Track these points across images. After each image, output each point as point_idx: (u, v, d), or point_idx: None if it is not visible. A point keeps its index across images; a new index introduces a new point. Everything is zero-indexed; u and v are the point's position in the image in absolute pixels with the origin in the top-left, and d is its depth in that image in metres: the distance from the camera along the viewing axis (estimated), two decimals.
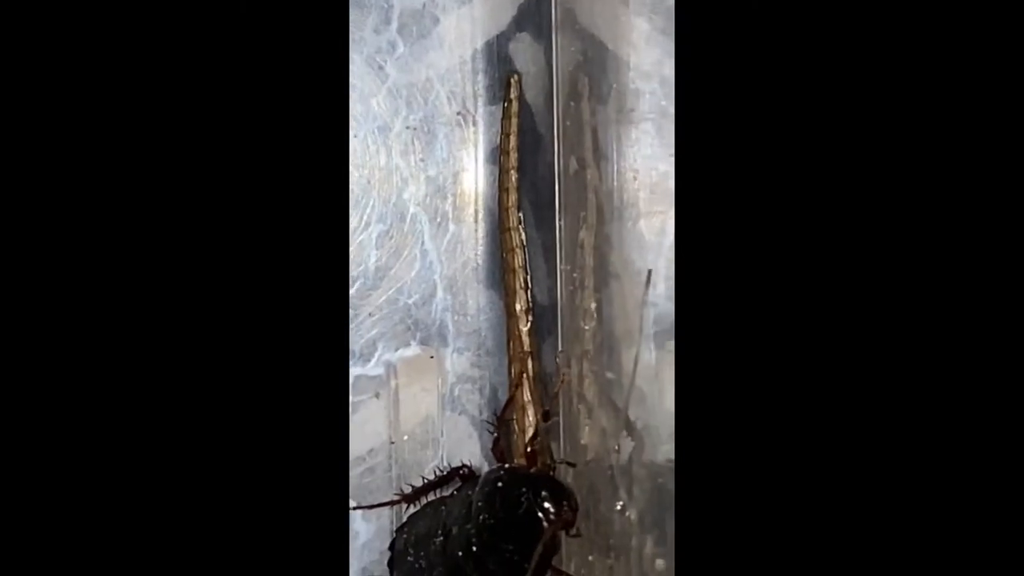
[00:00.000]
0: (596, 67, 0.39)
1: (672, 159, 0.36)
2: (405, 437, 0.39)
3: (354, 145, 0.39)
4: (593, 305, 0.38)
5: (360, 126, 0.39)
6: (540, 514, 0.34)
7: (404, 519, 0.38)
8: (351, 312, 0.38)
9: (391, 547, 0.38)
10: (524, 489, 0.35)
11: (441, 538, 0.36)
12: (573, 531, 0.35)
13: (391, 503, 0.38)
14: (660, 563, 0.37)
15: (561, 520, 0.34)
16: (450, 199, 0.39)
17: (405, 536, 0.38)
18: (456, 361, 0.39)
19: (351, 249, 0.39)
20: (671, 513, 0.36)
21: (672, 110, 0.36)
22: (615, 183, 0.38)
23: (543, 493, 0.34)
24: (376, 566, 0.38)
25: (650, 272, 0.36)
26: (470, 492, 0.36)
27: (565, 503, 0.35)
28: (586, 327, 0.39)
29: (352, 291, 0.38)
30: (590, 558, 0.38)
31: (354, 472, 0.39)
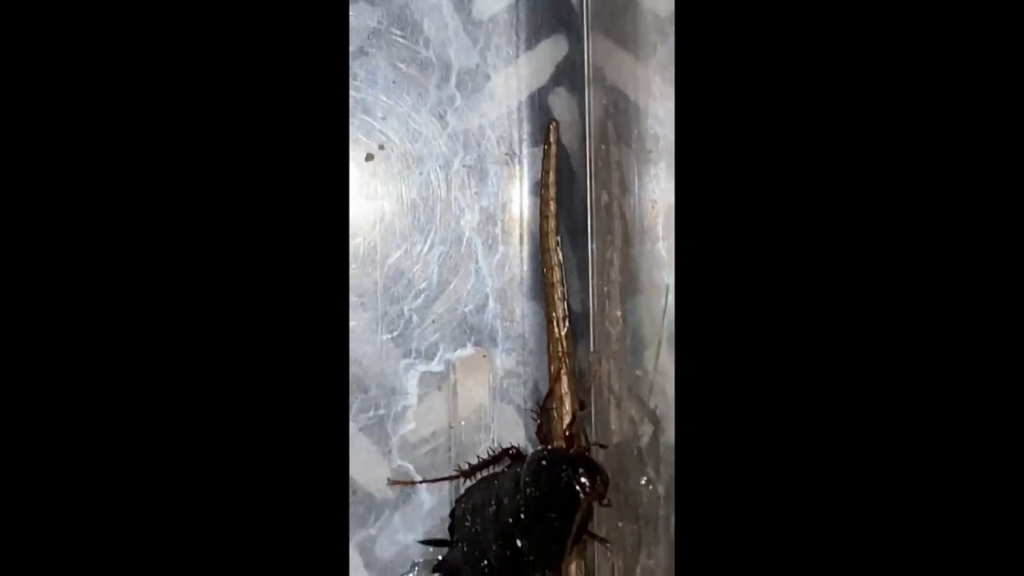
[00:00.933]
0: (621, 116, 0.43)
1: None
2: (462, 423, 0.43)
3: (420, 180, 0.43)
4: (619, 313, 0.42)
5: (425, 164, 0.43)
6: (577, 488, 0.39)
7: (462, 491, 0.42)
8: (417, 319, 0.42)
9: (451, 515, 0.42)
10: (564, 467, 0.39)
11: (494, 507, 0.40)
12: (605, 502, 0.40)
13: (451, 478, 0.42)
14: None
15: (595, 493, 0.39)
16: (499, 225, 0.43)
17: (463, 505, 0.41)
18: (504, 360, 0.43)
19: (416, 267, 0.42)
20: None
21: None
22: (637, 212, 0.42)
23: (580, 470, 0.39)
24: (437, 530, 0.42)
25: (667, 287, 0.41)
26: (518, 469, 0.40)
27: (598, 478, 0.39)
28: (614, 332, 0.42)
29: (418, 302, 0.42)
30: (619, 524, 0.42)
31: (419, 452, 0.42)
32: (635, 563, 0.42)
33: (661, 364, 0.41)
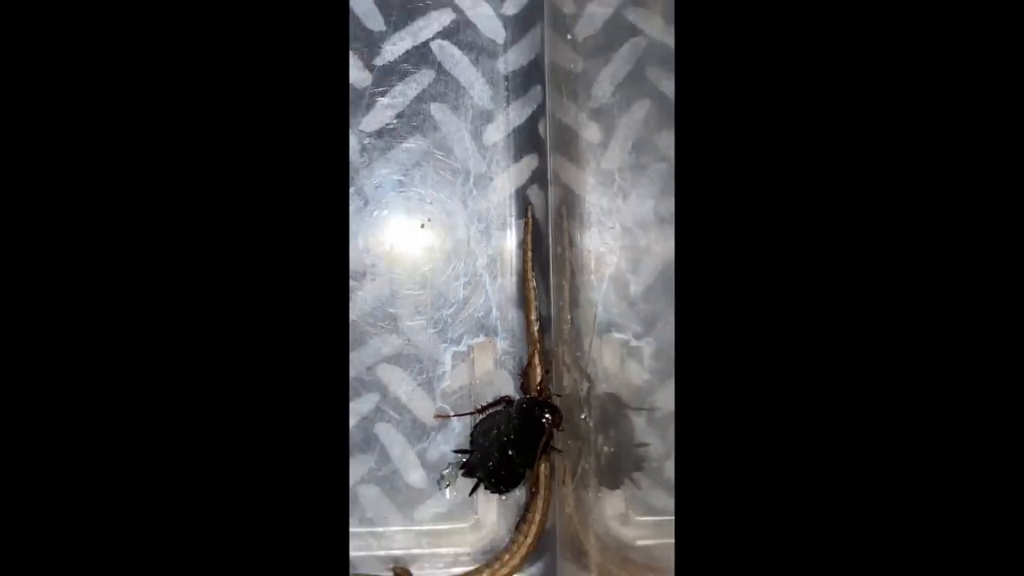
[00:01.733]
0: (570, 201, 0.53)
1: (610, 244, 0.53)
2: (477, 381, 0.54)
3: (453, 239, 0.54)
4: (569, 317, 0.52)
5: (456, 230, 0.53)
6: (544, 420, 0.50)
7: (477, 422, 0.53)
8: (451, 320, 0.53)
9: (471, 435, 0.53)
10: (536, 407, 0.50)
11: (495, 431, 0.51)
12: (560, 428, 0.50)
13: (470, 413, 0.53)
14: (605, 448, 0.52)
15: (555, 423, 0.50)
16: (498, 265, 0.54)
17: (477, 430, 0.53)
18: (502, 344, 0.54)
19: (451, 290, 0.53)
20: (609, 422, 0.52)
21: (606, 221, 0.53)
22: (578, 258, 0.53)
23: (546, 409, 0.50)
24: (463, 444, 0.53)
25: (596, 303, 0.52)
26: (510, 409, 0.51)
27: (557, 414, 0.50)
28: (565, 328, 0.52)
29: (451, 310, 0.53)
30: (568, 442, 0.51)
31: (452, 398, 0.53)
32: (577, 464, 0.51)
33: (593, 348, 0.52)
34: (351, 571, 0.52)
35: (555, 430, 0.50)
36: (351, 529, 0.53)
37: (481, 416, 0.53)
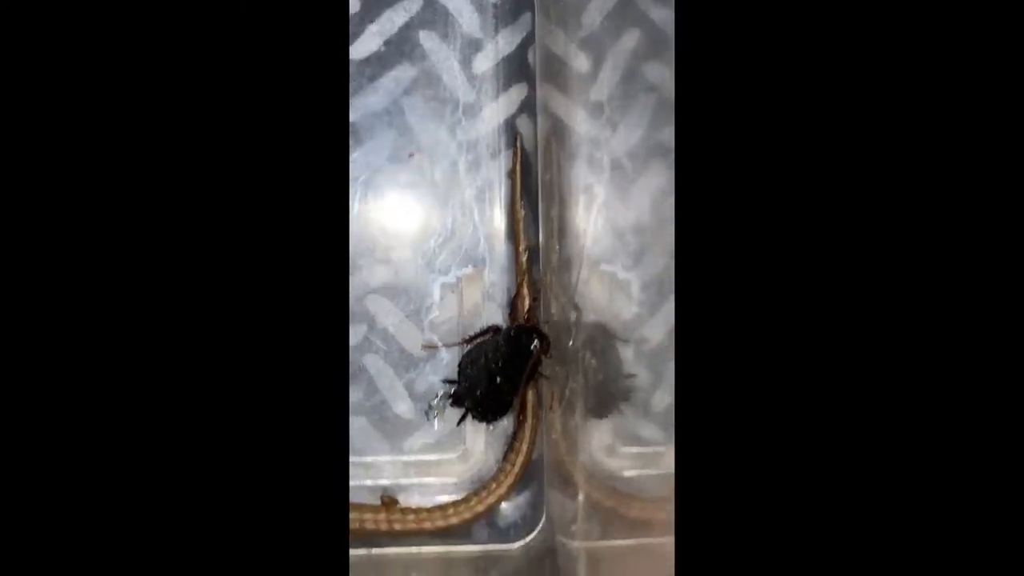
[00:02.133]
0: (558, 130, 0.54)
1: (598, 175, 0.53)
2: (466, 312, 0.54)
3: (443, 170, 0.54)
4: (557, 247, 0.53)
5: (444, 160, 0.54)
6: (532, 346, 0.51)
7: (466, 350, 0.53)
8: (439, 251, 0.53)
9: (459, 365, 0.53)
10: (524, 334, 0.51)
11: (483, 360, 0.52)
12: (548, 355, 0.51)
13: (459, 343, 0.53)
14: (593, 376, 0.52)
15: (543, 348, 0.51)
16: (487, 196, 0.54)
17: (466, 360, 0.53)
18: (490, 275, 0.54)
19: (439, 221, 0.53)
20: (597, 351, 0.53)
21: (595, 153, 0.53)
22: (565, 186, 0.53)
23: (534, 336, 0.51)
24: (451, 374, 0.53)
25: (584, 231, 0.52)
26: (498, 337, 0.52)
27: (544, 340, 0.51)
28: (553, 259, 0.53)
29: (440, 241, 0.54)
30: (556, 368, 0.52)
31: (441, 329, 0.53)
32: (564, 389, 0.52)
33: (581, 279, 0.52)
34: None
35: (543, 356, 0.51)
36: None
37: (469, 346, 0.54)
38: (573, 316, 0.53)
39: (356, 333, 0.55)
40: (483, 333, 0.54)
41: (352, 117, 0.54)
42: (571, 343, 0.53)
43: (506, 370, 0.51)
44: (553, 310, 0.53)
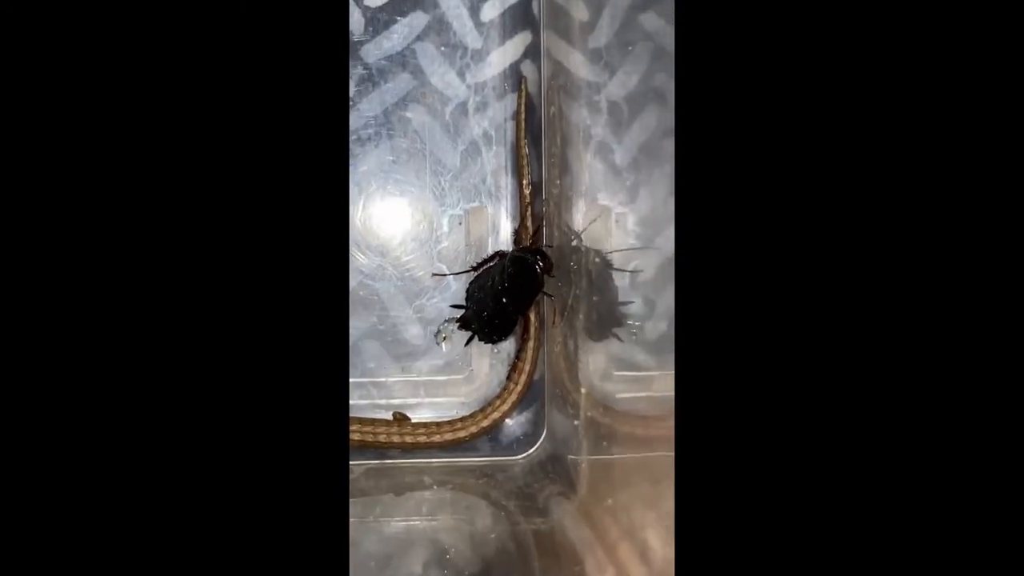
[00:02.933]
0: (559, 75, 0.57)
1: (596, 116, 0.56)
2: (472, 242, 0.58)
3: (452, 109, 0.57)
4: (558, 181, 0.56)
5: (454, 100, 0.57)
6: (537, 267, 0.54)
7: (474, 276, 0.57)
8: (448, 187, 0.57)
9: (467, 291, 0.57)
10: (528, 255, 0.54)
11: (490, 283, 0.55)
12: (551, 274, 0.54)
13: (466, 271, 0.57)
14: (591, 298, 0.54)
15: (546, 267, 0.54)
16: (493, 134, 0.58)
17: (473, 285, 0.57)
18: (495, 209, 0.59)
19: (448, 158, 0.57)
20: (594, 279, 0.54)
21: (593, 96, 0.55)
22: (568, 125, 0.55)
23: (538, 257, 0.54)
24: (459, 300, 0.57)
25: (585, 165, 0.56)
26: (503, 260, 0.55)
27: (547, 260, 0.54)
28: (555, 192, 0.57)
29: (448, 177, 0.57)
30: (558, 283, 0.55)
31: (448, 258, 0.58)
32: (564, 306, 0.55)
33: (580, 211, 0.55)
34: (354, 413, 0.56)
35: (546, 275, 0.54)
36: (354, 379, 0.58)
37: (476, 273, 0.57)
38: (575, 240, 0.56)
39: (369, 261, 0.59)
40: (489, 259, 0.57)
41: (369, 60, 0.58)
42: (572, 264, 0.55)
43: (512, 290, 0.54)
44: (555, 235, 0.57)
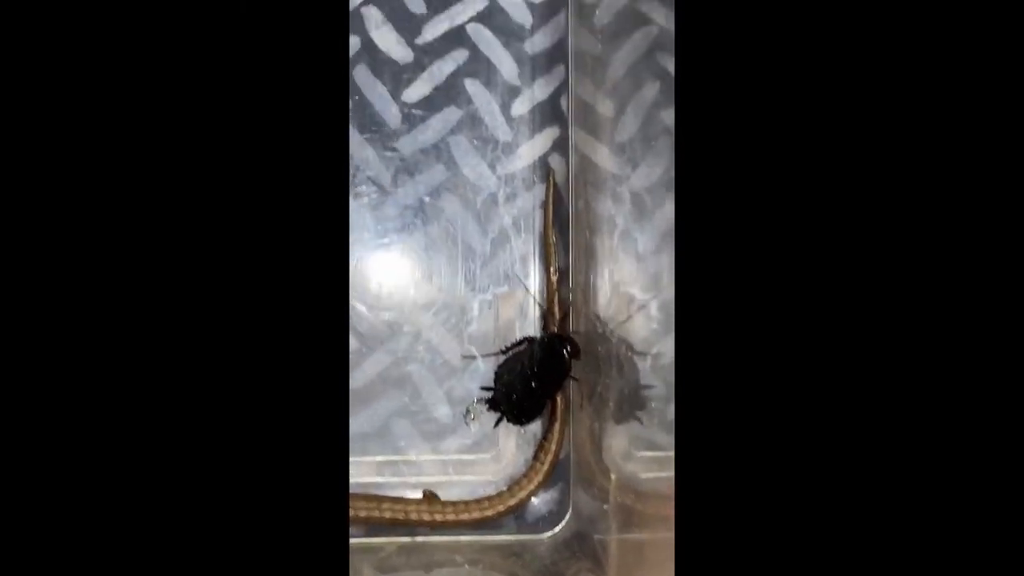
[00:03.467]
0: (586, 168, 0.60)
1: (620, 206, 0.60)
2: (502, 326, 0.60)
3: (483, 199, 0.60)
4: (584, 269, 0.58)
5: (485, 190, 0.60)
6: (565, 352, 0.55)
7: (503, 360, 0.58)
8: (479, 272, 0.59)
9: (495, 373, 0.58)
10: (556, 340, 0.56)
11: (519, 366, 0.56)
12: (578, 358, 0.56)
13: (495, 354, 0.58)
14: (615, 384, 0.56)
15: (573, 352, 0.56)
16: (523, 222, 0.60)
17: (502, 368, 0.58)
18: (524, 294, 0.60)
19: (479, 244, 0.59)
20: (618, 363, 0.57)
21: (618, 187, 0.59)
22: (592, 217, 0.58)
23: (565, 343, 0.55)
24: (488, 382, 0.58)
25: (607, 255, 0.60)
26: (532, 345, 0.57)
27: (574, 345, 0.55)
28: (580, 280, 0.59)
29: (478, 264, 0.59)
30: (585, 370, 0.57)
31: (478, 341, 0.59)
32: (591, 390, 0.57)
33: (605, 299, 0.57)
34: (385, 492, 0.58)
35: (573, 360, 0.56)
36: (385, 457, 0.60)
37: (505, 356, 0.59)
38: (599, 329, 0.58)
39: (402, 343, 0.61)
40: (518, 344, 0.59)
41: (405, 152, 0.61)
42: (600, 349, 0.57)
43: (541, 374, 0.56)
44: (582, 323, 0.59)
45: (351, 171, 0.58)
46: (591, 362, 0.57)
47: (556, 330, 0.58)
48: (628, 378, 0.59)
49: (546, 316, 0.59)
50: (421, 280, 0.61)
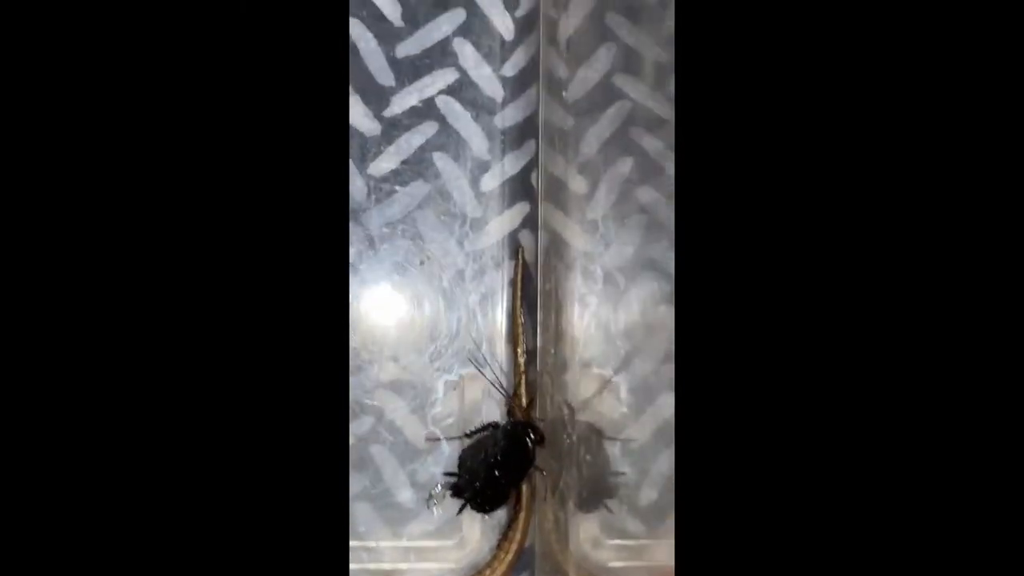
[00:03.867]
0: (556, 245, 0.58)
1: (592, 286, 0.57)
2: (467, 408, 0.58)
3: (449, 276, 0.58)
4: (552, 350, 0.56)
5: (452, 268, 0.58)
6: (529, 441, 0.54)
7: (465, 446, 0.56)
8: (445, 352, 0.57)
9: (460, 458, 0.56)
10: (520, 429, 0.54)
11: (483, 454, 0.54)
12: (543, 446, 0.54)
13: (459, 437, 0.56)
14: (584, 471, 0.56)
15: (537, 440, 0.54)
16: (489, 302, 0.59)
17: (466, 453, 0.56)
18: (490, 375, 0.57)
19: (445, 326, 0.57)
20: (587, 448, 0.56)
21: (589, 266, 0.57)
22: (561, 295, 0.57)
23: (530, 431, 0.54)
24: (451, 467, 0.56)
25: (579, 340, 0.57)
26: (497, 432, 0.55)
27: (539, 434, 0.54)
28: (549, 361, 0.57)
29: (445, 342, 0.57)
30: (551, 461, 0.56)
31: (442, 423, 0.56)
32: (558, 480, 0.55)
33: (575, 380, 0.56)
34: None
35: (538, 447, 0.54)
36: None
37: (469, 440, 0.57)
38: (567, 413, 0.56)
39: (364, 424, 0.58)
40: (483, 429, 0.57)
41: (371, 227, 0.59)
42: (565, 437, 0.56)
43: (505, 462, 0.54)
44: (548, 409, 0.57)
45: None
46: (556, 451, 0.55)
47: (522, 416, 0.56)
48: (597, 464, 0.58)
49: (511, 401, 0.57)
50: (386, 359, 0.59)
